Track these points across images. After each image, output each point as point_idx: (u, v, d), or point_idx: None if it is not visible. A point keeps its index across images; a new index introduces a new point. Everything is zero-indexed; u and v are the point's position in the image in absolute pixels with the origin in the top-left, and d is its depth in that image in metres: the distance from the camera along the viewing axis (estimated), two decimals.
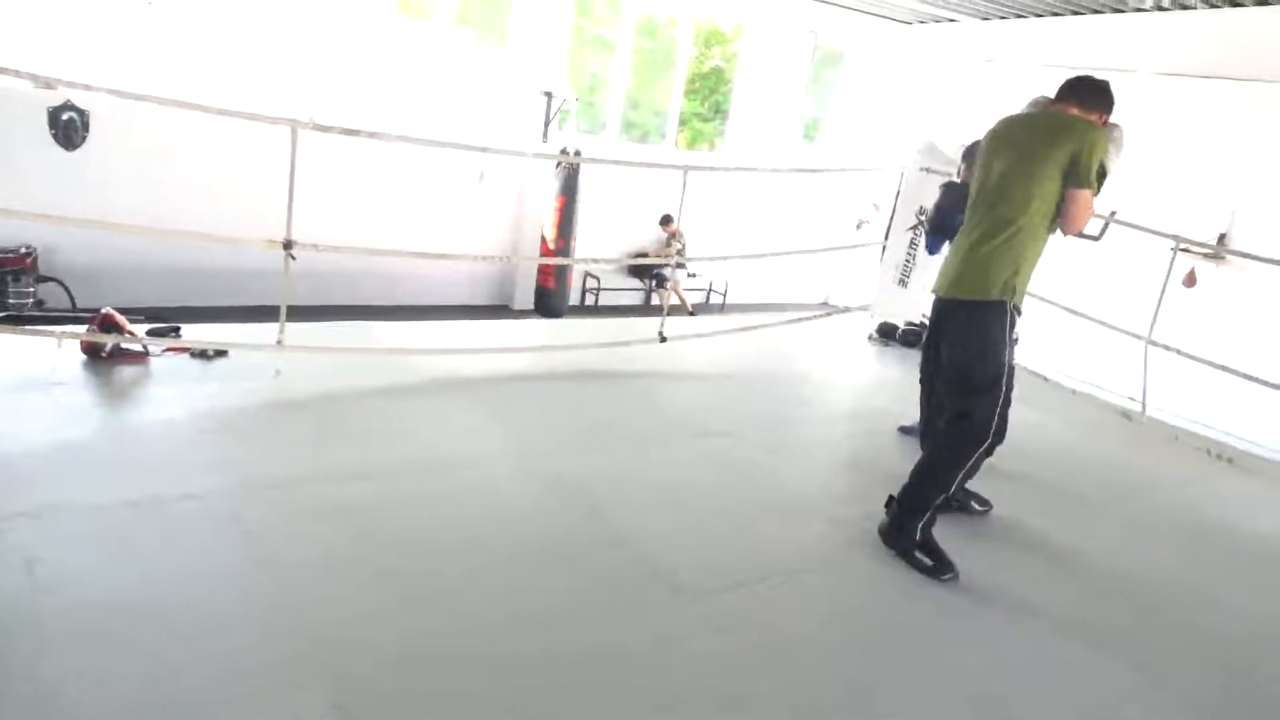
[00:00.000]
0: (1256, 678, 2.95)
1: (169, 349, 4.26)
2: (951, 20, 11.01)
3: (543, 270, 9.74)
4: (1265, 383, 4.71)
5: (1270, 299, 7.76)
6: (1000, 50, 10.48)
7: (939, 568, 3.17)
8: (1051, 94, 3.27)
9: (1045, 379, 5.64)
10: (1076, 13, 9.47)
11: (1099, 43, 9.44)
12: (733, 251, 7.57)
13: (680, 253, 9.43)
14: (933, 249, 5.12)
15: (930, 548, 3.20)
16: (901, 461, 3.73)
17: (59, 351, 4.02)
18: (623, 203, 10.61)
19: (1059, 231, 3.18)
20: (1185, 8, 8.32)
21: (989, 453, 3.21)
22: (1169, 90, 8.84)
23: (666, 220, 10.93)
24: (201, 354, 4.26)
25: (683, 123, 12.97)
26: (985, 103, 10.57)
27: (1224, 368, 4.86)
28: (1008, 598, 3.18)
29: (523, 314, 9.97)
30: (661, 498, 3.58)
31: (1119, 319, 5.38)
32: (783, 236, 10.29)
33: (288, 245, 3.98)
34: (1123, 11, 8.87)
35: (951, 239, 3.62)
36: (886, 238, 5.86)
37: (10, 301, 7.34)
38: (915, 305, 5.66)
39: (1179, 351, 4.89)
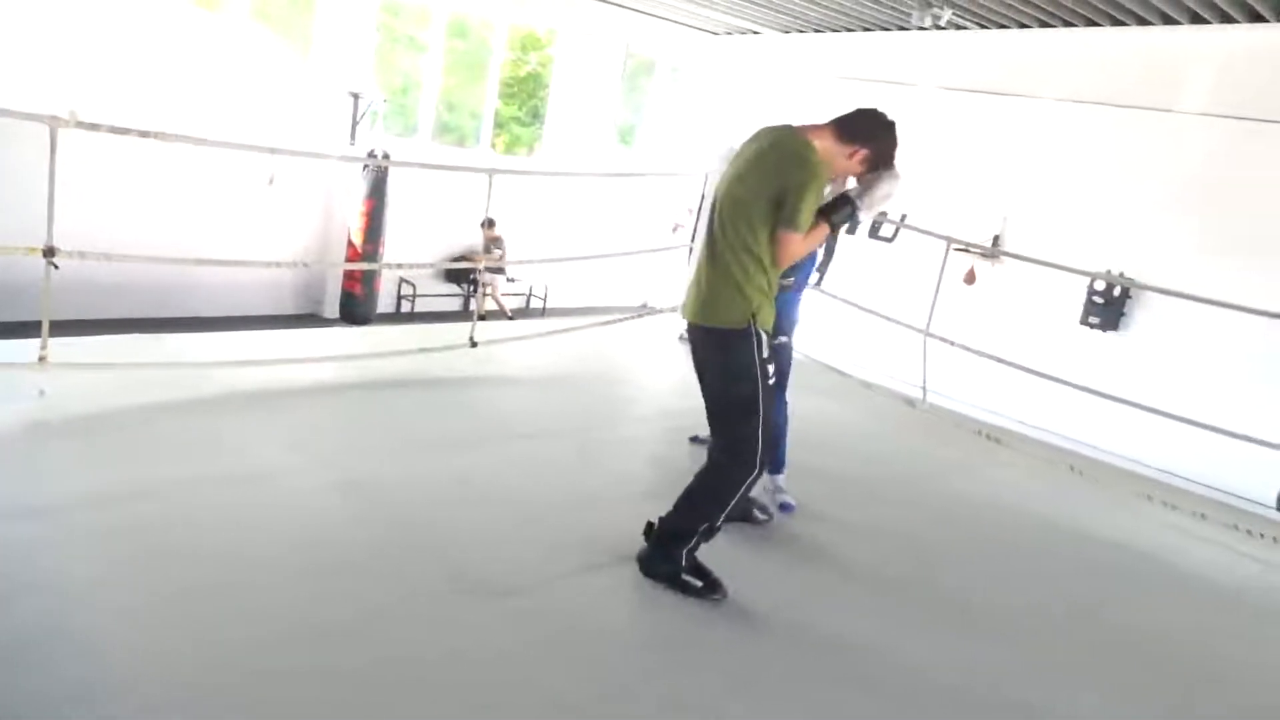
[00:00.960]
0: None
1: None
2: (755, 33, 11.47)
3: (349, 276, 9.40)
4: (1028, 370, 5.19)
5: (1035, 292, 8.56)
6: (800, 62, 11.03)
7: (709, 588, 3.04)
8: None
9: (841, 373, 5.98)
10: (866, 29, 10.10)
11: (886, 58, 10.12)
12: (553, 255, 7.58)
13: (500, 258, 9.35)
14: None
15: (699, 571, 3.06)
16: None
17: None
18: (437, 207, 10.41)
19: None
20: (960, 28, 9.04)
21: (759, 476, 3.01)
22: (949, 103, 9.60)
23: (489, 224, 10.82)
24: None
25: (500, 126, 12.88)
26: (787, 111, 11.13)
27: (990, 356, 5.31)
28: (791, 574, 3.35)
29: (332, 322, 9.59)
30: (465, 502, 3.55)
31: (909, 315, 5.78)
32: (602, 240, 10.40)
33: (49, 253, 3.65)
34: (906, 30, 9.53)
35: None
36: (693, 240, 6.05)
37: None
38: None
39: (952, 343, 5.31)
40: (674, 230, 12.19)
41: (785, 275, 3.30)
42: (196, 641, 2.45)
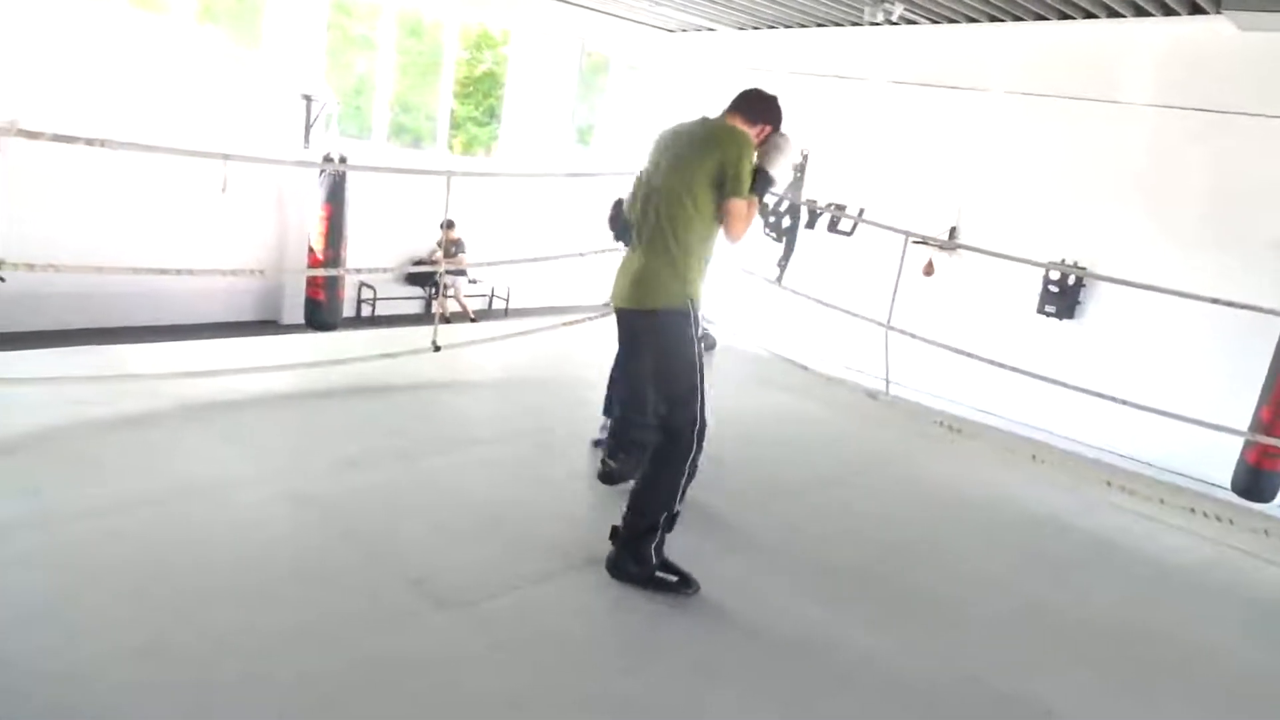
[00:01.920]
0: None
1: None
2: (710, 29, 11.50)
3: (311, 282, 9.25)
4: (987, 360, 5.26)
5: (992, 282, 8.69)
6: (755, 58, 11.07)
7: (683, 583, 3.13)
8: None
9: (805, 367, 6.02)
10: (820, 25, 10.17)
11: (839, 53, 10.20)
12: (513, 256, 7.53)
13: (460, 259, 9.27)
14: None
15: (669, 567, 3.14)
16: None
17: None
18: (395, 209, 10.30)
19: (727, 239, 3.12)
20: (911, 23, 9.13)
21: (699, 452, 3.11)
22: (902, 97, 9.71)
23: (449, 225, 10.73)
24: None
25: (457, 126, 12.77)
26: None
27: (949, 347, 5.38)
28: (753, 567, 3.37)
29: (292, 329, 9.44)
30: (426, 509, 3.52)
31: (869, 308, 5.84)
32: (562, 240, 10.34)
33: None
34: (859, 25, 9.61)
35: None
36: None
37: None
38: None
39: (913, 335, 5.36)
40: None
41: None
42: (144, 656, 2.40)
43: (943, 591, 3.49)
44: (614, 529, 3.18)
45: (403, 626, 2.71)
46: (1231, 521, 4.70)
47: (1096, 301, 8.42)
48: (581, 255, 7.49)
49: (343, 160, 8.99)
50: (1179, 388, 6.62)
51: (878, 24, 9.12)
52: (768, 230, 11.00)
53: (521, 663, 2.64)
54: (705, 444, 3.09)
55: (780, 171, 3.23)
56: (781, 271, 10.82)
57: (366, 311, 10.73)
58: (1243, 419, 6.22)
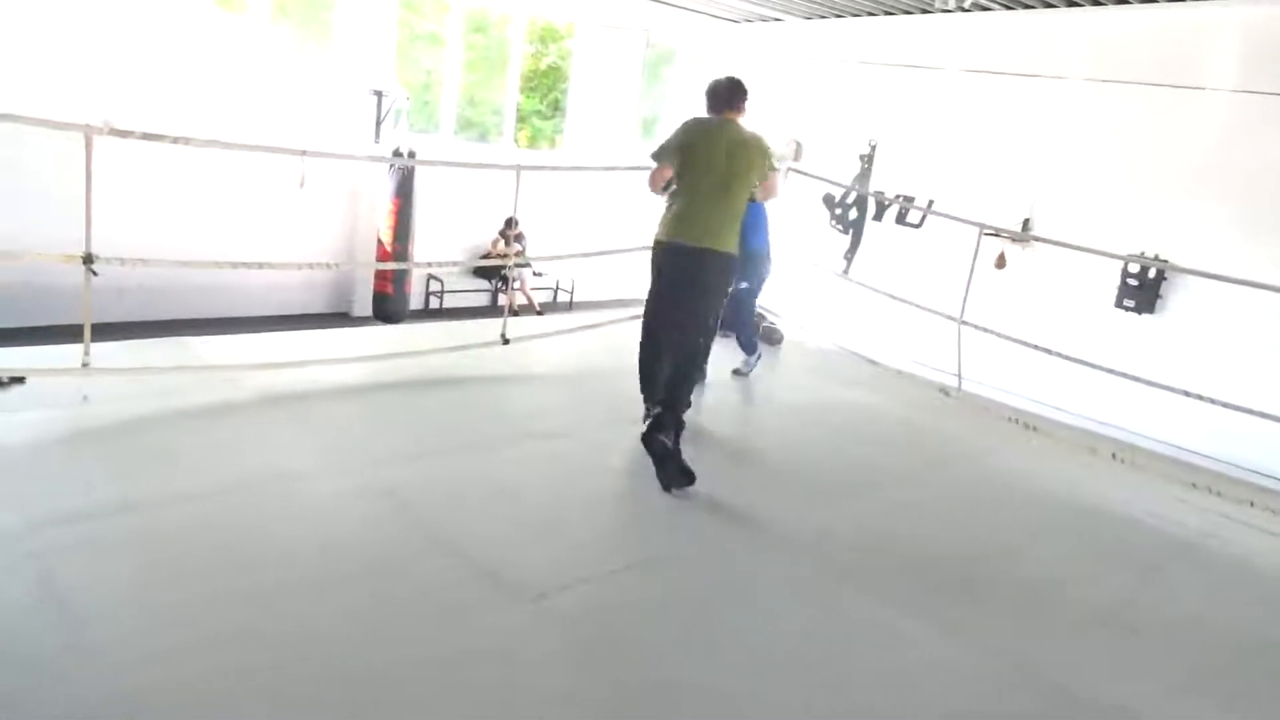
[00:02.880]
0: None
1: None
2: (777, 20, 11.38)
3: (380, 275, 9.44)
4: (1060, 355, 5.12)
5: (1068, 276, 8.46)
6: (822, 48, 10.94)
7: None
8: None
9: (874, 362, 5.94)
10: (889, 13, 9.99)
11: (910, 42, 10.01)
12: (579, 249, 7.57)
13: (520, 253, 9.35)
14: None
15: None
16: (732, 461, 3.85)
17: None
18: (463, 203, 10.43)
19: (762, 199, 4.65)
20: (985, 9, 8.92)
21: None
22: (974, 86, 9.48)
23: (510, 222, 10.84)
24: None
25: (522, 120, 12.86)
26: (810, 97, 11.09)
27: (1024, 342, 5.25)
28: (823, 563, 3.33)
29: (362, 321, 9.64)
30: (492, 502, 3.55)
31: (939, 301, 5.73)
32: (627, 232, 10.36)
33: (88, 260, 3.69)
34: (930, 12, 9.42)
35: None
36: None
37: None
38: None
39: (986, 330, 5.24)
40: None
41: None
42: (226, 644, 2.47)
43: (1022, 591, 3.42)
44: (654, 411, 4.02)
45: (468, 619, 2.74)
46: None
47: (1178, 295, 8.12)
48: (645, 248, 7.47)
49: (412, 155, 9.14)
50: (1266, 384, 6.35)
51: (949, 11, 8.94)
52: (834, 222, 10.87)
53: (582, 655, 2.66)
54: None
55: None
56: (848, 264, 10.68)
57: (435, 304, 10.89)
58: None
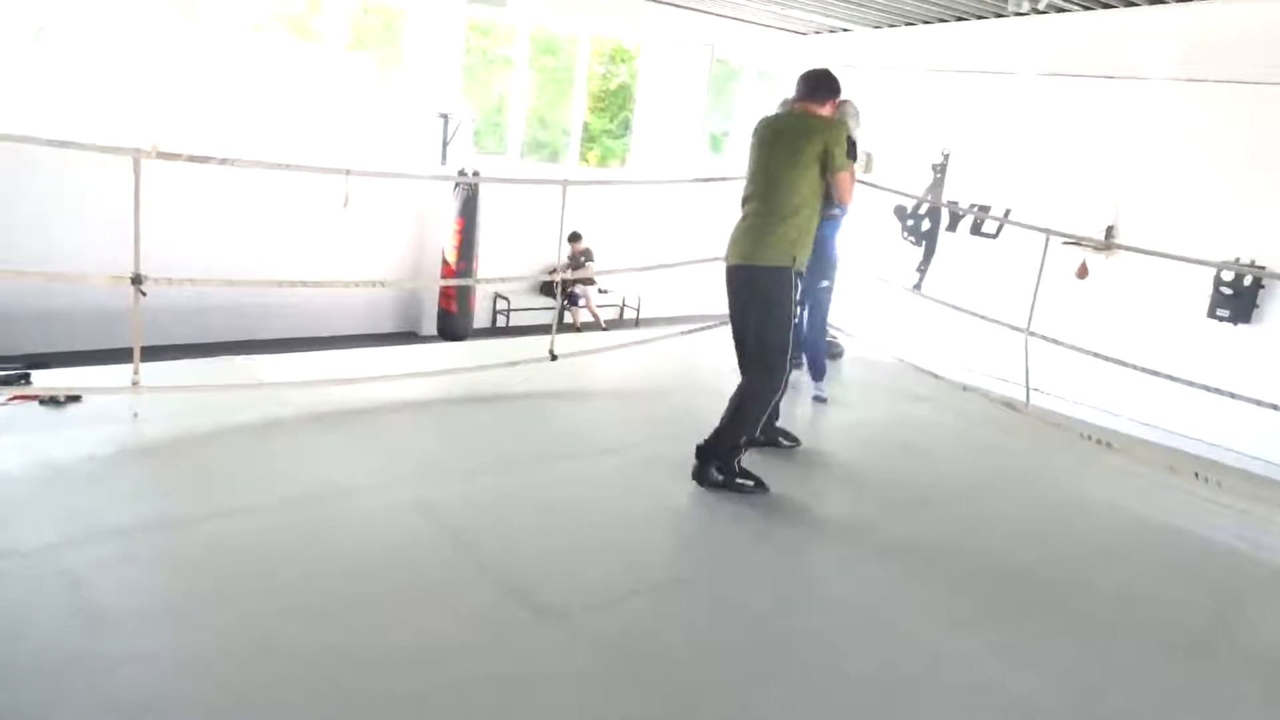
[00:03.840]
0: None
1: (15, 397, 4.00)
2: (845, 30, 11.19)
3: (444, 293, 9.57)
4: (1142, 369, 4.80)
5: (1156, 284, 8.02)
6: (892, 57, 10.69)
7: (758, 486, 3.78)
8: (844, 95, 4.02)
9: (937, 376, 5.69)
10: (960, 18, 9.71)
11: (982, 46, 9.70)
12: (642, 265, 7.51)
13: (584, 268, 9.35)
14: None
15: (747, 474, 3.79)
16: (788, 476, 3.71)
17: None
18: (526, 222, 10.50)
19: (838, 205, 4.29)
20: (1061, 10, 8.57)
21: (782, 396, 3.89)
22: (1051, 90, 9.12)
23: (575, 237, 10.87)
24: (52, 400, 4.02)
25: (593, 140, 12.94)
26: (880, 108, 10.82)
27: (1091, 353, 4.95)
28: (871, 590, 3.15)
29: (428, 339, 9.77)
30: (536, 521, 3.48)
31: (1016, 313, 5.47)
32: (694, 248, 10.27)
33: (136, 280, 3.77)
34: (1003, 16, 9.11)
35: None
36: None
37: None
38: None
39: (1054, 341, 4.96)
40: None
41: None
42: (272, 664, 2.44)
43: (1088, 622, 3.17)
44: (699, 447, 3.78)
45: (507, 641, 2.67)
46: None
47: (1277, 303, 7.62)
48: (709, 261, 7.37)
49: (476, 174, 9.26)
50: None
51: (1023, 14, 8.61)
52: (906, 234, 10.57)
53: (627, 679, 2.56)
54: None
55: (858, 132, 4.15)
56: (921, 277, 10.37)
57: (501, 322, 10.99)
58: None
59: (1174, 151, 8.26)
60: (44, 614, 2.55)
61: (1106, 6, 8.38)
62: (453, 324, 9.55)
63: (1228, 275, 7.68)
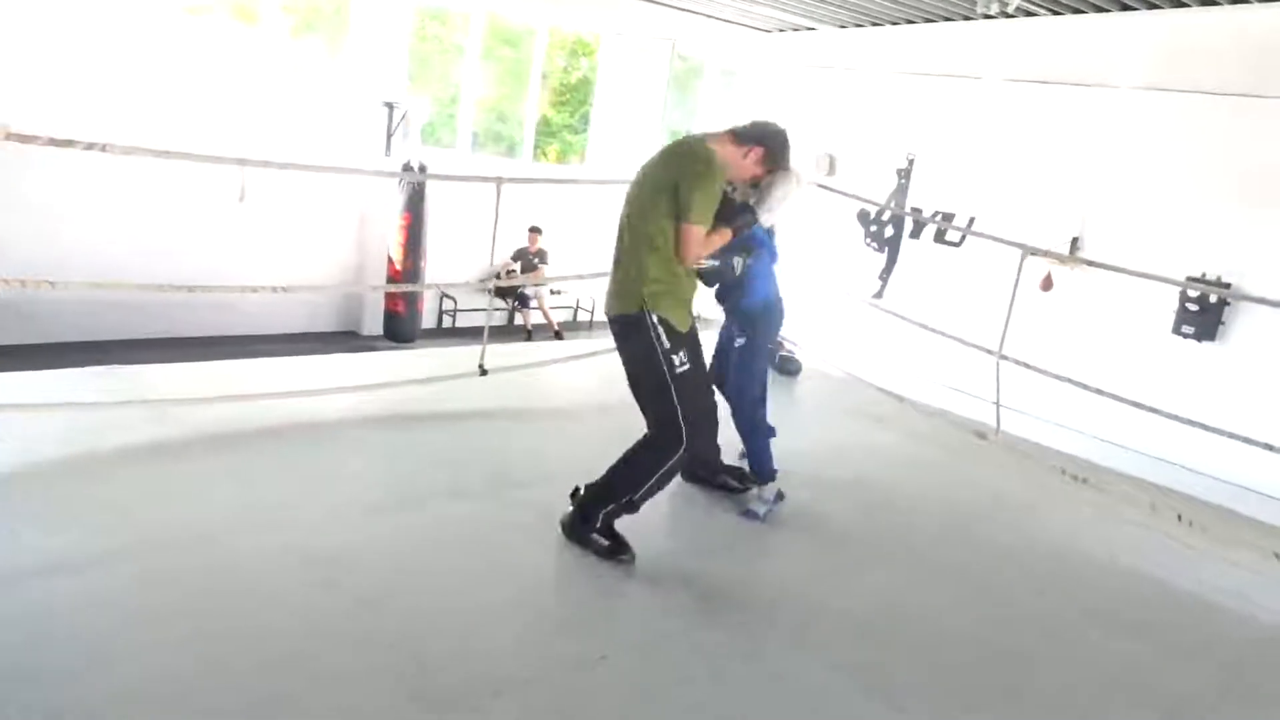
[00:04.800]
0: None
1: None
2: (810, 29, 10.88)
3: (390, 293, 9.10)
4: (1112, 395, 4.49)
5: (1121, 299, 7.80)
6: (858, 58, 10.40)
7: (615, 549, 3.16)
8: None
9: (900, 398, 5.34)
10: (928, 20, 9.42)
11: (950, 50, 9.44)
12: (598, 268, 7.09)
13: (536, 270, 8.95)
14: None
15: (610, 533, 3.18)
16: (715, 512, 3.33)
17: None
18: (476, 219, 10.01)
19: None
20: (1030, 14, 8.31)
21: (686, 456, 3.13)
22: (1018, 96, 8.87)
23: (535, 230, 10.49)
24: None
25: (552, 135, 12.51)
26: (845, 109, 10.53)
27: (1073, 381, 4.62)
28: (832, 660, 2.78)
29: (371, 340, 9.30)
30: (436, 573, 3.04)
31: (979, 326, 5.14)
32: None
33: None
34: (971, 19, 8.84)
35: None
36: None
37: None
38: None
39: (1028, 366, 4.63)
40: None
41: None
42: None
43: (1067, 694, 2.83)
44: (575, 489, 3.25)
45: None
46: None
47: (1243, 320, 7.43)
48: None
49: (422, 169, 8.79)
50: None
51: (992, 17, 8.33)
52: (869, 240, 10.28)
53: None
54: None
55: (772, 211, 3.22)
56: (883, 285, 10.09)
57: (448, 323, 10.52)
58: None
59: (1141, 162, 8.06)
60: None
61: (1076, 12, 8.14)
62: (400, 326, 9.10)
63: (1193, 292, 7.47)
